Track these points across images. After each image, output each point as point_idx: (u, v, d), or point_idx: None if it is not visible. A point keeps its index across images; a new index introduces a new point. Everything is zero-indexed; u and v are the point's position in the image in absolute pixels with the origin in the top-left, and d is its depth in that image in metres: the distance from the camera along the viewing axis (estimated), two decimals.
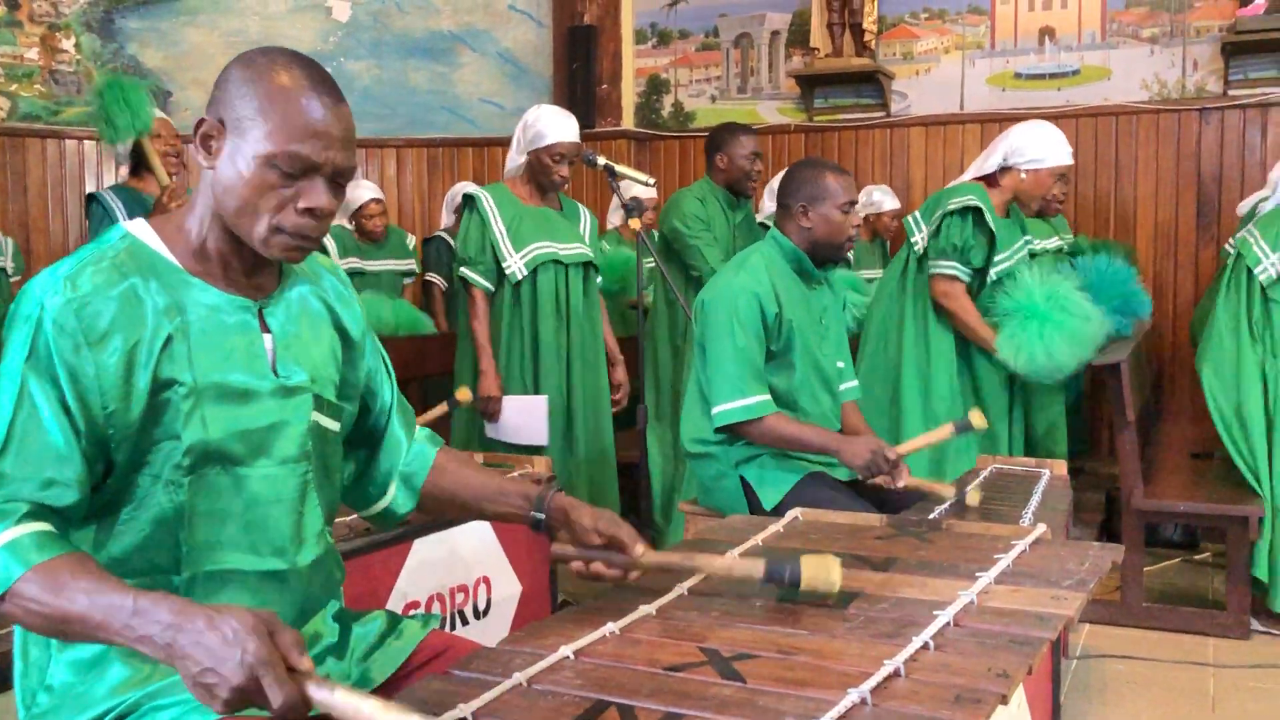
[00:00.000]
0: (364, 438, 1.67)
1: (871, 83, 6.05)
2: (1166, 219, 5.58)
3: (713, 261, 4.14)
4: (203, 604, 1.18)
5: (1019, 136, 3.61)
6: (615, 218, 5.80)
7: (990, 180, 3.64)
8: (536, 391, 3.65)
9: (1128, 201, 5.67)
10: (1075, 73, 5.77)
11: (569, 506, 1.61)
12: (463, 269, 3.55)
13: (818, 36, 6.02)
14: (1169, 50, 5.61)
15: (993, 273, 3.58)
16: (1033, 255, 3.78)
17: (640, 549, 1.57)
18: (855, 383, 3.07)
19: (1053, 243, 4.50)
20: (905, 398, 3.66)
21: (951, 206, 3.56)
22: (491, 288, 3.59)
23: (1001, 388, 3.66)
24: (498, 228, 3.59)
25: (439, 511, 1.72)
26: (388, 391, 1.68)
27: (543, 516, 1.63)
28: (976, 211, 3.54)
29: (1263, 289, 3.37)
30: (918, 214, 3.75)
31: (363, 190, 5.34)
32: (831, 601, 1.56)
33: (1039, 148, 3.59)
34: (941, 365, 3.62)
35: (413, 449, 1.70)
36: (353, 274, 5.27)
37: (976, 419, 2.68)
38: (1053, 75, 5.81)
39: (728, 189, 4.35)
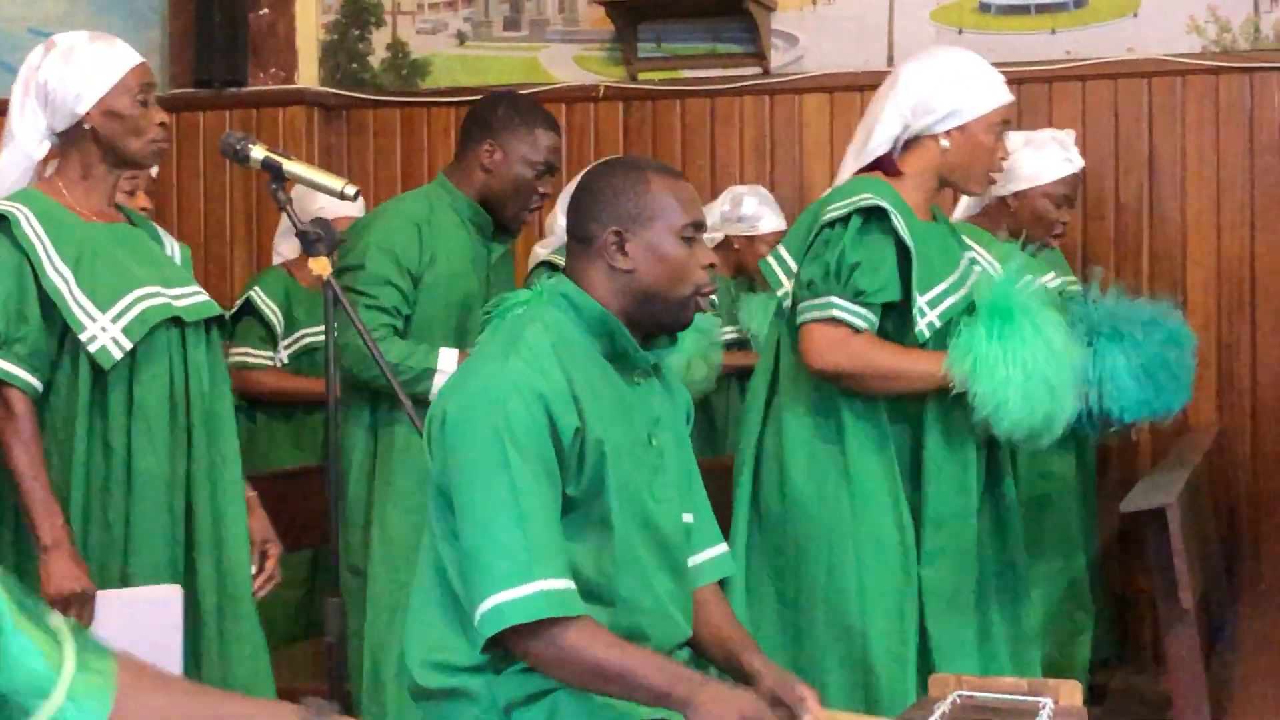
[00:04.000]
0: None
1: (737, 16, 6.17)
2: (1236, 248, 5.84)
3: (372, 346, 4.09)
4: None
5: (918, 79, 3.74)
6: (285, 247, 5.74)
7: (887, 168, 3.77)
8: (127, 580, 3.55)
9: (1171, 219, 5.90)
10: (1080, 4, 6.02)
11: None
12: None
13: None
14: None
15: (930, 316, 3.67)
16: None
17: None
18: (722, 548, 3.08)
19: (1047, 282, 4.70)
20: (801, 583, 3.70)
21: (828, 214, 3.66)
22: (39, 386, 3.49)
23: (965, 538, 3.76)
24: (56, 268, 3.50)
25: None
26: None
27: None
28: (870, 213, 3.64)
29: None
30: (783, 249, 3.81)
31: None
32: None
33: (955, 87, 3.72)
34: (868, 511, 3.70)
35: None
36: None
37: None
38: (1042, 8, 6.05)
39: (485, 205, 4.37)
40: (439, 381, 4.10)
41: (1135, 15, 5.98)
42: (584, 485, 2.77)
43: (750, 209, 5.79)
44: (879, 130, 3.75)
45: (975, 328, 3.61)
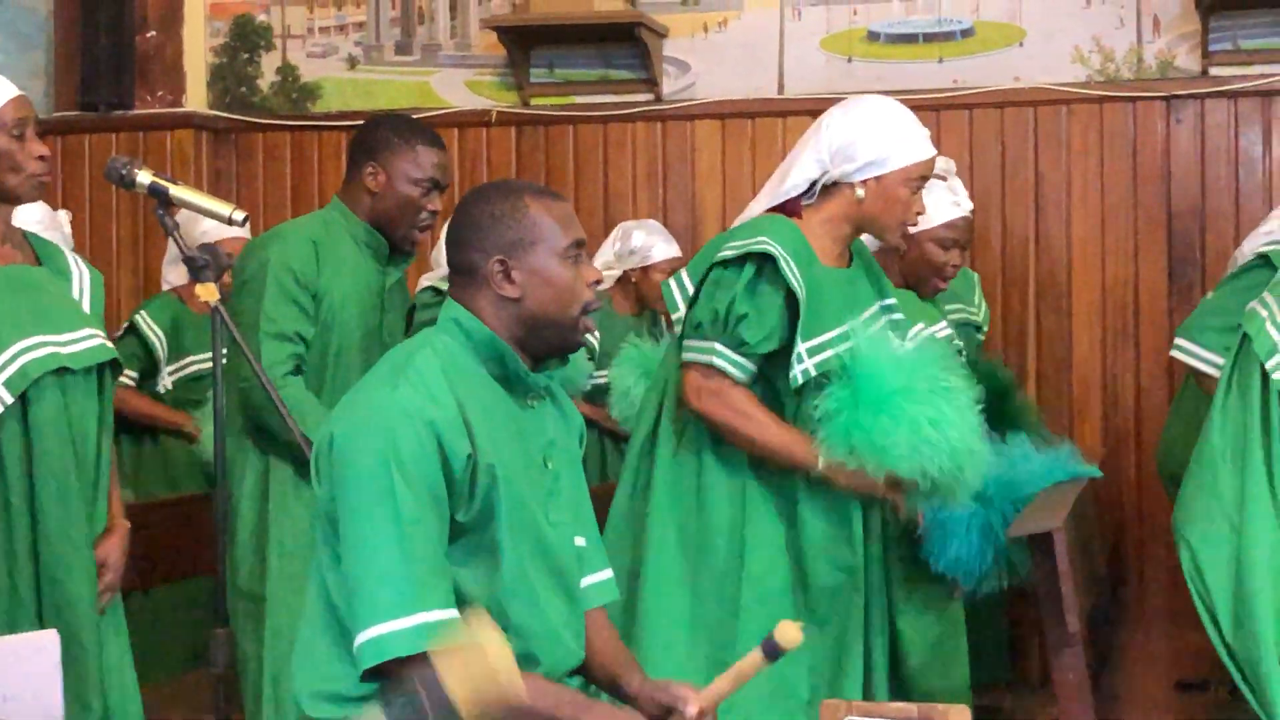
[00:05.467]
0: None
1: (629, 43, 6.17)
2: (1120, 276, 5.90)
3: (279, 373, 4.02)
4: None
5: (841, 126, 3.73)
6: (173, 274, 5.68)
7: (797, 211, 3.76)
8: (11, 627, 3.47)
9: (1055, 247, 5.96)
10: (967, 34, 6.08)
11: None
12: None
13: None
14: (1115, 1, 5.95)
15: (807, 363, 3.67)
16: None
17: None
18: (608, 573, 3.09)
19: (944, 326, 4.70)
20: (651, 596, 3.71)
21: (722, 254, 3.67)
22: None
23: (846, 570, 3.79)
24: None
25: None
26: None
27: None
28: (762, 261, 3.64)
29: None
30: (684, 274, 3.84)
31: None
32: None
33: (877, 138, 3.71)
34: (739, 534, 3.71)
35: None
36: None
37: (786, 634, 2.73)
38: (930, 37, 6.11)
39: (376, 228, 4.32)
40: None
41: (1021, 45, 6.04)
42: (475, 511, 2.76)
43: (640, 241, 5.79)
44: (796, 172, 3.74)
45: (853, 414, 3.60)
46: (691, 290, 3.79)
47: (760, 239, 3.64)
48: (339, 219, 4.28)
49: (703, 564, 3.74)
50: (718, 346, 3.65)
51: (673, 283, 3.85)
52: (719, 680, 2.85)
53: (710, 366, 3.65)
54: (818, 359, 3.66)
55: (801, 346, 3.65)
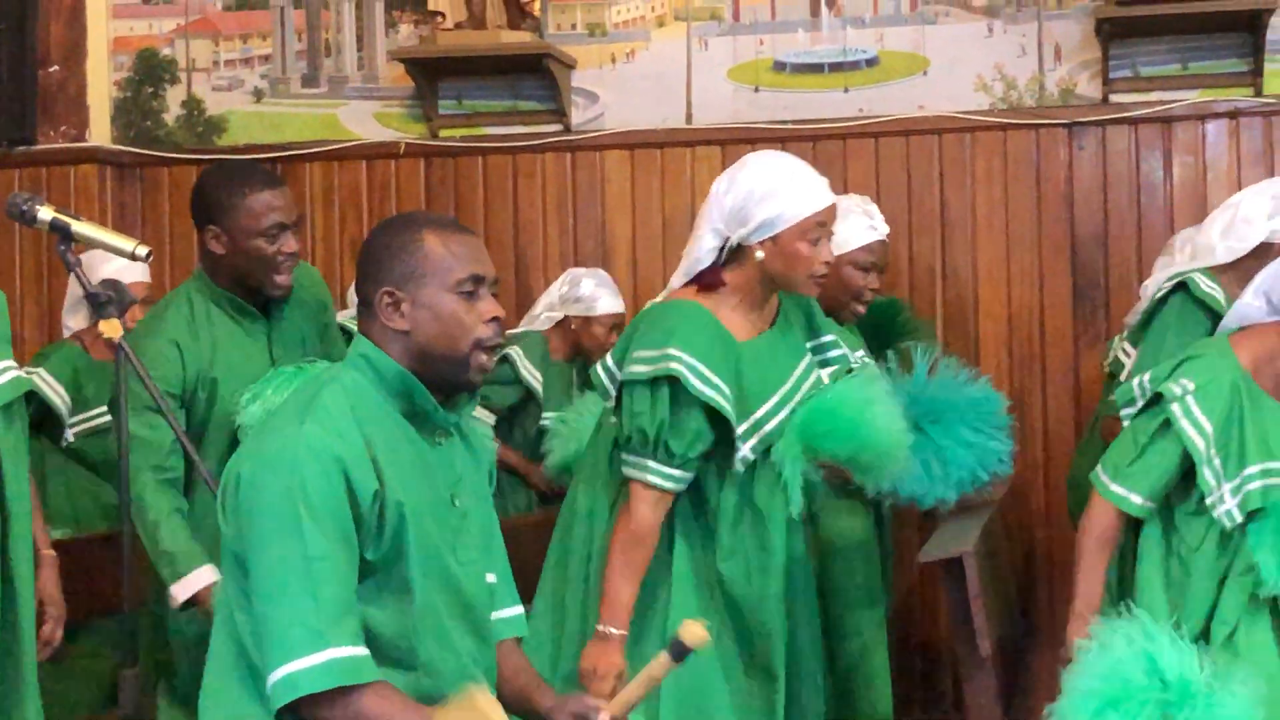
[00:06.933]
0: None
1: (537, 74, 6.18)
2: (1025, 302, 5.95)
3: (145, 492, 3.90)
4: None
5: (730, 192, 3.74)
6: (73, 320, 5.59)
7: (712, 281, 3.75)
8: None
9: (961, 274, 6.01)
10: (871, 63, 6.12)
11: None
12: None
13: None
14: (1017, 29, 6.02)
15: (745, 452, 3.71)
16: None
17: None
18: (518, 609, 3.10)
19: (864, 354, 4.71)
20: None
21: (629, 373, 3.67)
22: None
23: (775, 593, 3.79)
24: None
25: None
26: None
27: None
28: (671, 381, 3.63)
29: None
30: (611, 361, 3.79)
31: None
32: None
33: (766, 199, 3.70)
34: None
35: None
36: None
37: (691, 633, 2.77)
38: (836, 67, 6.15)
39: (241, 284, 4.12)
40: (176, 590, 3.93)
41: (925, 74, 6.10)
42: (384, 549, 2.77)
43: (587, 290, 5.74)
44: (697, 245, 3.76)
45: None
46: (615, 387, 3.77)
47: (667, 354, 3.63)
48: (204, 294, 4.13)
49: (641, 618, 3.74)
50: (651, 464, 3.66)
51: (600, 370, 3.81)
52: (629, 687, 2.89)
53: (647, 484, 3.66)
54: (753, 441, 3.71)
55: (739, 429, 3.68)
